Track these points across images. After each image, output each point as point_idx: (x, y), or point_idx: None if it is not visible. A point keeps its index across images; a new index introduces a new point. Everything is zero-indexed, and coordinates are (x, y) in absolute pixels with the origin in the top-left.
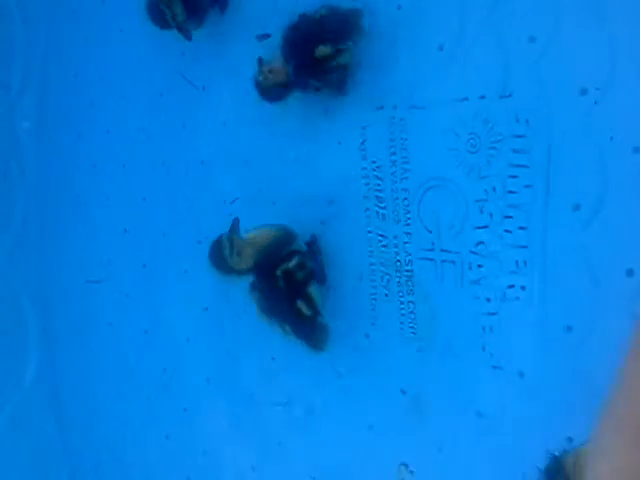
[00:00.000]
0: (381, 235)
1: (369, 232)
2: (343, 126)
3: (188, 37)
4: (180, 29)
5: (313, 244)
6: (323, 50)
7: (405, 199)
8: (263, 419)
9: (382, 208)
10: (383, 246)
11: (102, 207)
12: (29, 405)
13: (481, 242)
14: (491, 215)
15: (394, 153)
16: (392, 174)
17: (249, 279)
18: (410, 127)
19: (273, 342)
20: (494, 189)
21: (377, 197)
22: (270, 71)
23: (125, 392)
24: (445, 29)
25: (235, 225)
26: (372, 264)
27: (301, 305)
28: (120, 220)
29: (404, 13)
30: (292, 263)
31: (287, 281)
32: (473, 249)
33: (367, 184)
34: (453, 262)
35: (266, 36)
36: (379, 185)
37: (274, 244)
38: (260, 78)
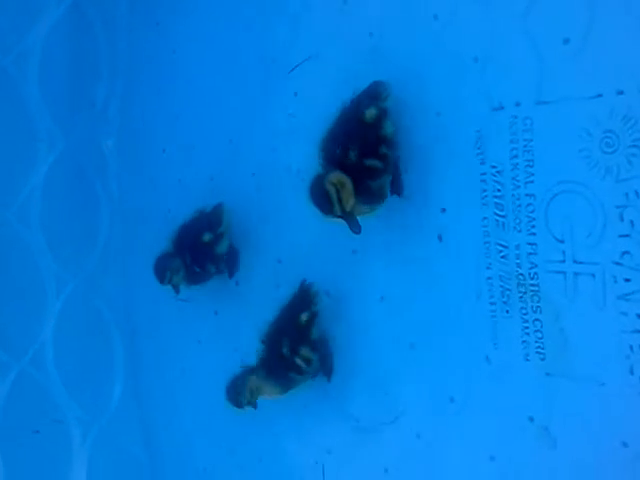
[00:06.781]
0: (501, 245)
1: (486, 243)
2: (455, 130)
3: (176, 291)
4: (173, 286)
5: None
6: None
7: (529, 205)
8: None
9: (502, 216)
10: (502, 257)
11: None
12: (117, 426)
13: (627, 252)
14: (632, 223)
15: (516, 156)
16: (514, 178)
17: None
18: (535, 127)
19: None
20: (637, 193)
21: (496, 204)
22: None
23: (214, 410)
24: (571, 21)
25: None
26: (489, 278)
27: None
28: None
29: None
30: None
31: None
32: (618, 260)
33: (484, 190)
34: (592, 275)
35: None
36: (499, 191)
37: None
38: None
